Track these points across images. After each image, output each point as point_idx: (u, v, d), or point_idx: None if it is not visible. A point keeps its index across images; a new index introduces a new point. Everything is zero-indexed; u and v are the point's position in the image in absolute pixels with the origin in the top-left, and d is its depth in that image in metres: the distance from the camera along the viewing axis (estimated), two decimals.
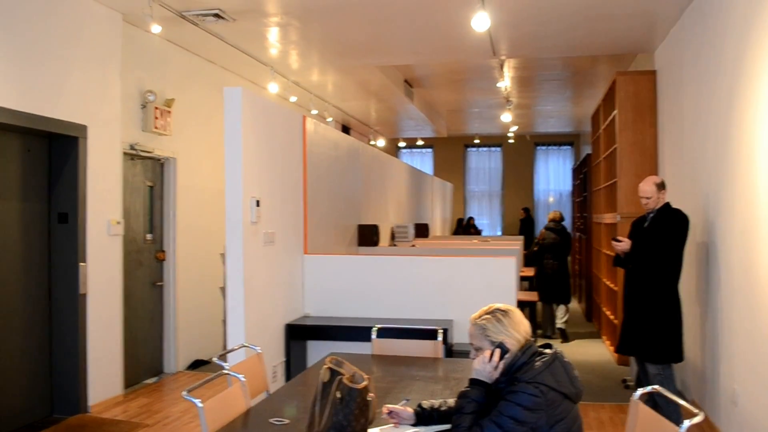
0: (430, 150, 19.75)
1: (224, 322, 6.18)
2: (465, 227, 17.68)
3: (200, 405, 2.88)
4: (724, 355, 5.02)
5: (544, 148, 18.99)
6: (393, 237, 9.65)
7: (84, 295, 5.79)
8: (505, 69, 9.66)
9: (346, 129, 14.40)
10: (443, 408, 2.78)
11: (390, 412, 2.79)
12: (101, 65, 6.06)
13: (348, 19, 6.81)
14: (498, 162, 19.32)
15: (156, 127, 6.93)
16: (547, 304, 9.51)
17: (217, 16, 6.41)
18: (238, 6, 6.26)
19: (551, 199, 18.89)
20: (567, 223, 10.94)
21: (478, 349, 2.60)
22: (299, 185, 5.88)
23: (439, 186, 15.87)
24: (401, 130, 16.66)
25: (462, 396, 2.54)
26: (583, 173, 12.65)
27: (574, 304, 12.23)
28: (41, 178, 5.75)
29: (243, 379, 3.27)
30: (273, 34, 7.38)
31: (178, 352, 7.41)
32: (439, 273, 5.64)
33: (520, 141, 18.21)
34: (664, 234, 5.04)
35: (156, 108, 6.94)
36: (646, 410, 2.73)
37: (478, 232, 17.31)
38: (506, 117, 13.17)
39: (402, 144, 18.89)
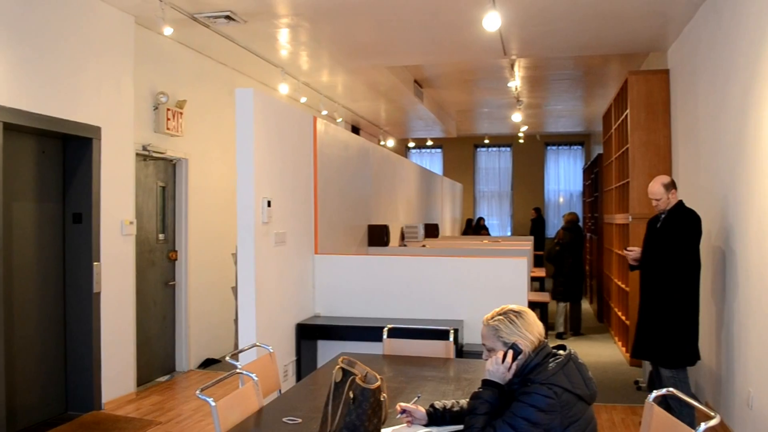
0: (439, 150, 19.73)
1: (236, 321, 6.20)
2: (475, 227, 17.66)
3: (213, 404, 2.89)
4: (740, 358, 4.99)
5: (554, 148, 18.94)
6: (403, 237, 9.65)
7: (98, 294, 5.83)
8: (516, 68, 9.65)
9: (355, 129, 14.41)
10: (455, 408, 2.78)
11: (403, 411, 2.80)
12: (114, 67, 6.09)
13: (358, 19, 6.82)
14: (508, 162, 19.28)
15: (168, 128, 6.96)
16: (564, 302, 9.66)
17: (228, 17, 6.43)
18: (248, 8, 6.28)
19: (561, 200, 18.85)
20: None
21: (491, 350, 2.59)
22: (310, 186, 5.89)
23: (448, 186, 15.86)
24: (411, 131, 16.66)
25: (475, 397, 2.54)
26: (594, 173, 12.62)
27: (586, 305, 12.21)
28: (56, 178, 5.79)
29: (255, 378, 3.28)
30: (283, 36, 7.40)
31: (189, 351, 7.45)
32: (450, 273, 5.64)
33: (530, 141, 18.17)
34: (676, 234, 4.98)
35: (168, 109, 6.97)
36: (660, 412, 2.72)
37: (487, 233, 17.28)
38: (516, 117, 13.16)
39: (411, 144, 18.89)
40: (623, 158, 8.09)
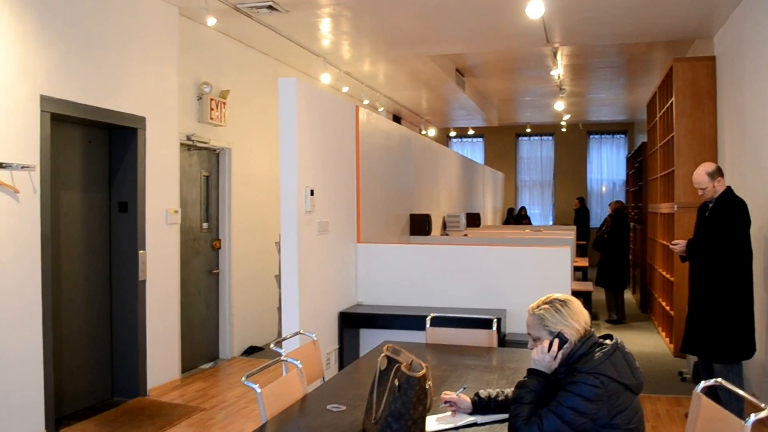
0: (480, 139, 19.62)
1: (279, 309, 6.25)
2: (516, 217, 17.54)
3: (259, 390, 2.92)
4: None
5: (597, 136, 18.70)
6: (445, 226, 9.63)
7: (143, 282, 5.92)
8: (559, 57, 9.54)
9: (397, 119, 14.40)
10: (500, 398, 2.78)
11: (448, 401, 2.81)
12: (159, 58, 6.17)
13: (399, 8, 6.80)
14: (550, 151, 19.09)
15: (212, 118, 7.03)
16: (610, 290, 9.66)
17: (270, 8, 6.47)
18: None
19: (604, 189, 18.61)
20: None
21: (536, 339, 2.58)
22: (352, 175, 5.90)
23: (490, 175, 15.77)
24: (452, 120, 16.59)
25: (520, 386, 2.53)
26: (638, 162, 12.43)
27: (628, 295, 12.07)
28: (102, 168, 5.90)
29: (300, 365, 3.31)
30: (325, 25, 7.41)
31: (233, 339, 7.54)
32: (492, 262, 5.61)
33: (573, 130, 17.97)
34: (723, 223, 4.85)
35: (211, 99, 7.04)
36: (708, 403, 2.68)
37: (529, 222, 17.15)
38: (559, 105, 13.02)
39: (453, 134, 18.81)
40: (668, 147, 7.96)
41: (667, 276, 8.04)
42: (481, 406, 2.78)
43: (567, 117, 15.78)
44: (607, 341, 2.51)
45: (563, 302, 2.57)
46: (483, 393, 2.82)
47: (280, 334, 6.11)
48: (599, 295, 10.18)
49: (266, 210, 7.98)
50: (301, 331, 4.09)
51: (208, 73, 7.15)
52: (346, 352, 5.52)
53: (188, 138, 6.78)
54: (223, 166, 7.51)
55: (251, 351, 7.76)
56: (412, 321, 5.19)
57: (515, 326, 5.31)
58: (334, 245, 5.47)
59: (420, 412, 2.41)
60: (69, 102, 5.16)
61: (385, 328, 5.45)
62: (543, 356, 2.51)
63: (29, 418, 4.85)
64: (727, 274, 4.84)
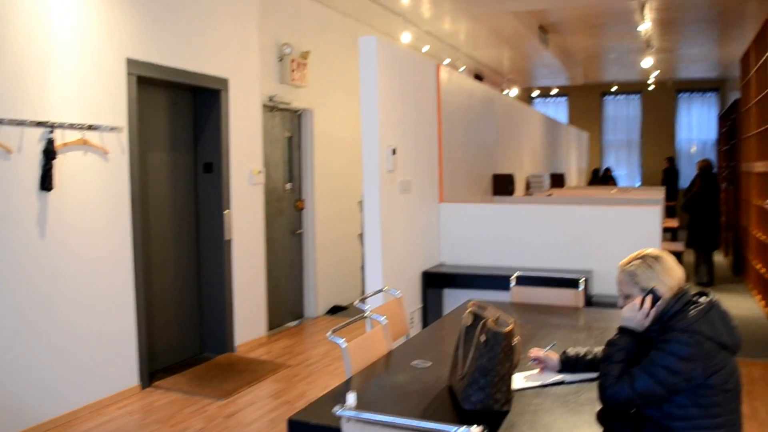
0: (564, 99, 19.14)
1: (362, 269, 6.28)
2: (602, 178, 17.11)
3: (344, 345, 2.94)
4: None
5: (686, 94, 17.97)
6: (528, 187, 9.48)
7: (229, 242, 6.04)
8: (646, 11, 9.15)
9: (478, 78, 14.17)
10: (589, 356, 2.71)
11: (536, 358, 2.76)
12: (241, 20, 6.20)
13: None
14: (637, 110, 18.46)
15: (293, 79, 7.06)
16: (703, 253, 9.37)
17: None
18: None
19: (694, 149, 17.94)
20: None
21: (627, 297, 2.49)
22: (434, 134, 5.84)
23: (574, 135, 15.41)
24: (535, 79, 16.23)
25: (610, 344, 2.45)
26: (730, 120, 11.91)
27: (719, 258, 11.67)
28: (187, 129, 6.01)
29: (384, 321, 3.31)
30: None
31: (317, 298, 7.64)
32: (578, 223, 5.48)
33: (661, 88, 17.31)
34: None
35: (292, 60, 7.06)
36: None
37: (614, 183, 16.72)
38: (647, 62, 12.52)
39: (536, 93, 18.40)
40: (764, 102, 7.57)
41: (763, 238, 7.72)
42: (569, 364, 2.73)
43: (656, 73, 15.20)
44: (702, 298, 2.41)
45: (655, 258, 2.48)
46: (571, 351, 2.76)
47: (363, 293, 6.15)
48: (690, 257, 9.87)
49: (348, 171, 8.02)
50: (385, 288, 4.09)
51: (289, 35, 7.16)
52: (430, 311, 5.51)
53: (270, 99, 6.84)
54: (305, 127, 7.56)
55: (335, 310, 7.86)
56: (496, 281, 5.14)
57: (602, 287, 5.19)
58: (416, 205, 5.45)
59: (507, 368, 2.37)
60: (154, 64, 5.25)
61: (469, 288, 5.42)
62: (634, 314, 2.43)
63: (124, 371, 5.05)
64: None
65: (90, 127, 4.72)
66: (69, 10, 4.57)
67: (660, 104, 17.95)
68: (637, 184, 18.12)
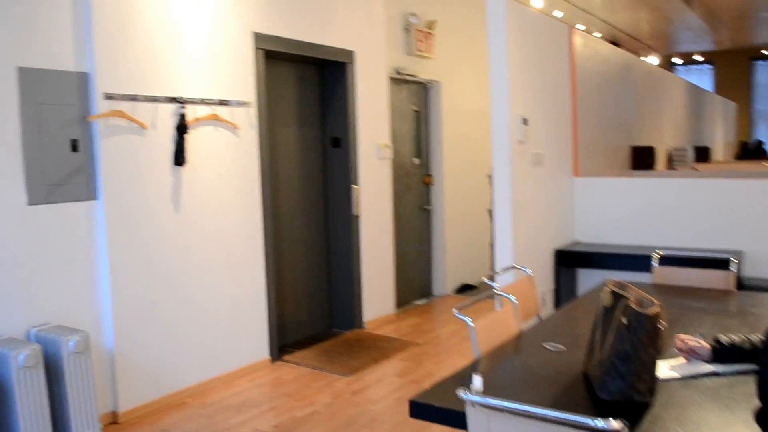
0: (709, 66, 17.99)
1: (492, 245, 6.08)
2: (753, 151, 15.99)
3: (471, 324, 2.77)
4: None
5: None
6: (670, 161, 8.94)
7: (357, 217, 5.98)
8: None
9: (614, 45, 13.51)
10: (746, 346, 2.39)
11: (683, 347, 2.47)
12: None
13: None
14: None
15: (419, 50, 6.89)
16: None
17: None
18: None
19: None
20: None
21: None
22: (567, 103, 5.53)
23: (720, 105, 14.47)
24: (676, 44, 15.30)
25: None
26: None
27: None
28: (314, 104, 5.97)
29: (515, 300, 3.11)
30: None
31: (446, 276, 7.49)
32: (727, 199, 5.04)
33: None
34: None
35: (419, 31, 6.88)
36: None
37: (766, 157, 15.58)
38: None
39: (677, 60, 17.37)
40: None
41: None
42: (722, 353, 2.42)
43: None
44: None
45: None
46: (725, 339, 2.45)
47: (493, 270, 5.95)
48: None
49: (477, 146, 7.78)
50: (516, 265, 3.88)
51: (415, 4, 6.98)
52: (563, 292, 5.25)
53: (397, 71, 6.70)
54: (432, 100, 7.38)
55: (464, 289, 7.68)
56: (636, 261, 4.82)
57: (756, 269, 4.75)
58: (549, 178, 5.18)
59: (651, 354, 2.12)
60: (280, 38, 5.22)
61: (605, 268, 5.13)
62: None
63: (255, 345, 5.11)
64: None
65: (220, 102, 4.75)
66: None
67: None
68: None
